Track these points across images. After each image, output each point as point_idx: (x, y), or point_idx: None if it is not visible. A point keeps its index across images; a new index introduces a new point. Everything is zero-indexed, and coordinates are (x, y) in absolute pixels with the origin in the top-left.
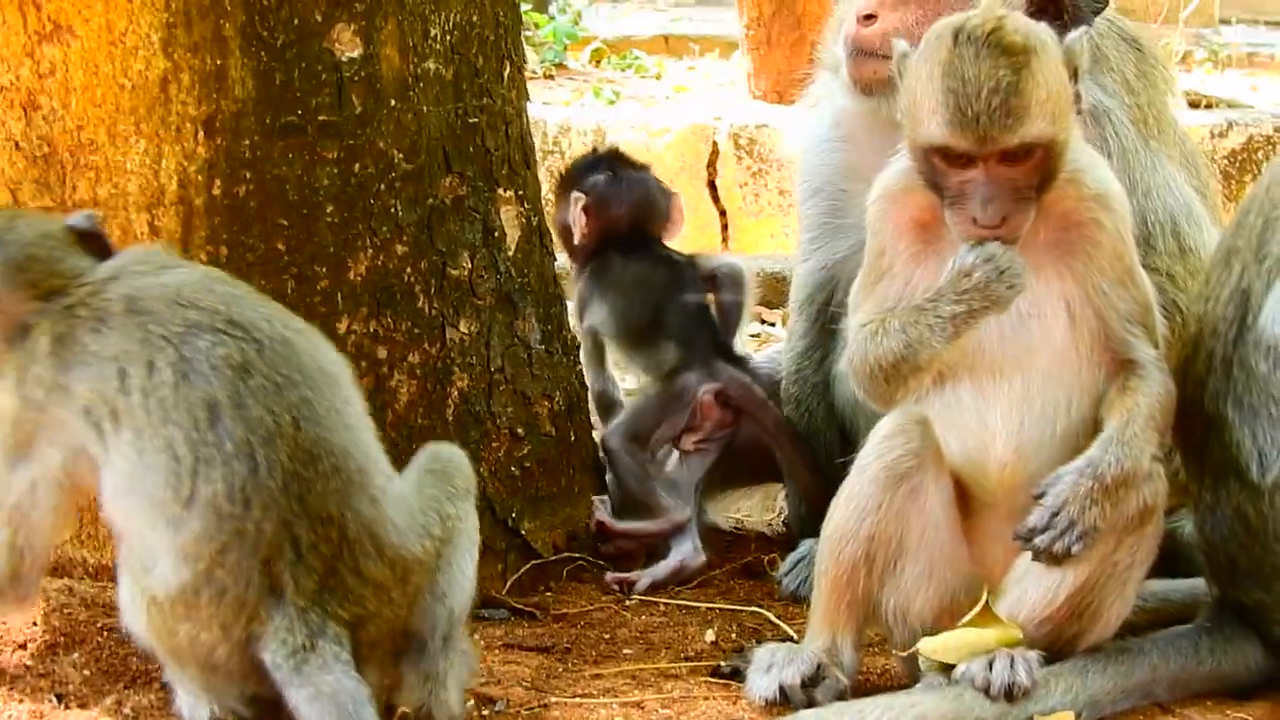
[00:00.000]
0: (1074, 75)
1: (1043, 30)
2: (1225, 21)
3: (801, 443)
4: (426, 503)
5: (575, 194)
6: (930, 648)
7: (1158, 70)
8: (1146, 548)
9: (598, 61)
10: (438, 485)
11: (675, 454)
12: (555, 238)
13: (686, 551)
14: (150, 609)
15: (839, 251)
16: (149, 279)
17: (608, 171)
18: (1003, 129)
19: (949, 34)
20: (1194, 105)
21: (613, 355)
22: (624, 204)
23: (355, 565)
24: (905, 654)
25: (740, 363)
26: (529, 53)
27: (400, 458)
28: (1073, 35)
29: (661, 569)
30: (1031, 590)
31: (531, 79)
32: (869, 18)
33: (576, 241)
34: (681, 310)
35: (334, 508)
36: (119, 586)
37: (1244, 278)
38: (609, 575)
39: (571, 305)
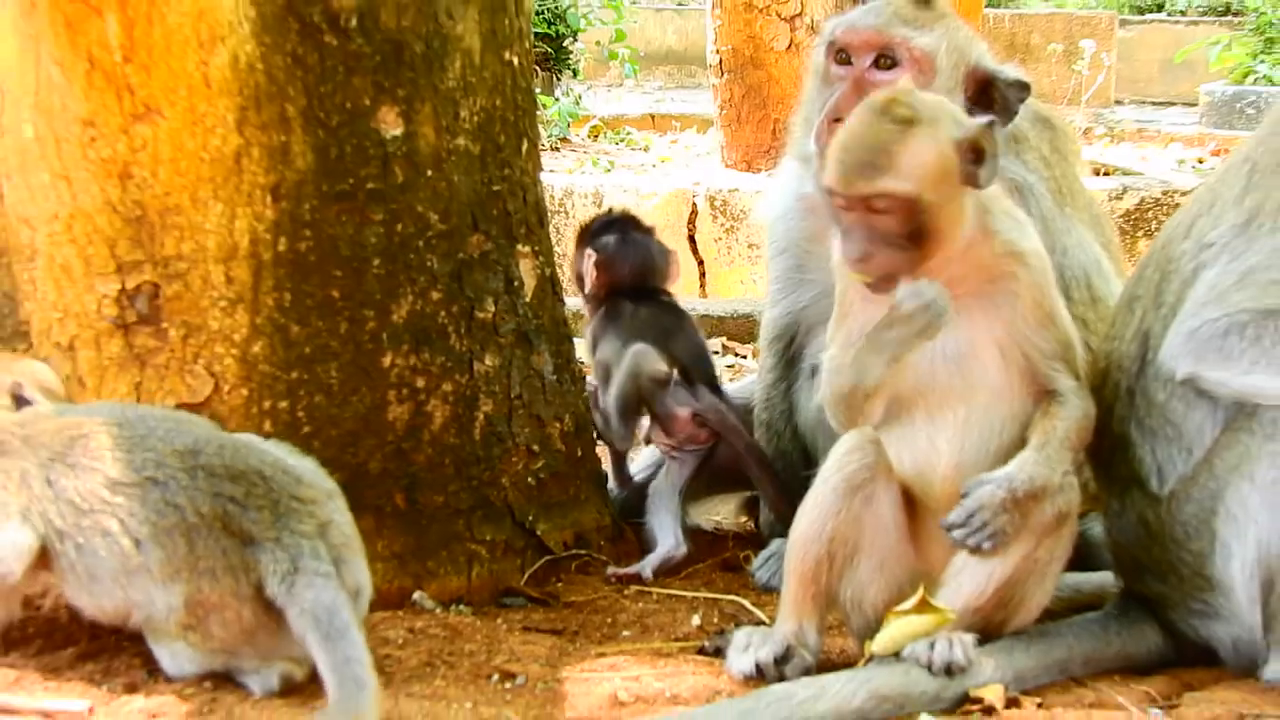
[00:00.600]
0: (978, 155)
1: (945, 111)
2: (1119, 102)
3: (766, 461)
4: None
5: (589, 250)
6: (882, 645)
7: (1068, 145)
8: (1063, 547)
9: (595, 136)
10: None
11: (664, 467)
12: (573, 282)
13: (669, 544)
14: (181, 636)
15: (802, 301)
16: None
17: (618, 233)
18: (862, 178)
19: (864, 104)
20: (1095, 173)
21: None
22: (628, 263)
23: (290, 491)
24: (866, 659)
25: (720, 393)
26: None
27: (435, 471)
28: (980, 120)
29: (652, 559)
30: (966, 583)
31: (541, 151)
32: (837, 120)
33: (588, 290)
34: (683, 346)
35: (240, 464)
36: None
37: (1144, 320)
38: (610, 570)
39: (582, 342)
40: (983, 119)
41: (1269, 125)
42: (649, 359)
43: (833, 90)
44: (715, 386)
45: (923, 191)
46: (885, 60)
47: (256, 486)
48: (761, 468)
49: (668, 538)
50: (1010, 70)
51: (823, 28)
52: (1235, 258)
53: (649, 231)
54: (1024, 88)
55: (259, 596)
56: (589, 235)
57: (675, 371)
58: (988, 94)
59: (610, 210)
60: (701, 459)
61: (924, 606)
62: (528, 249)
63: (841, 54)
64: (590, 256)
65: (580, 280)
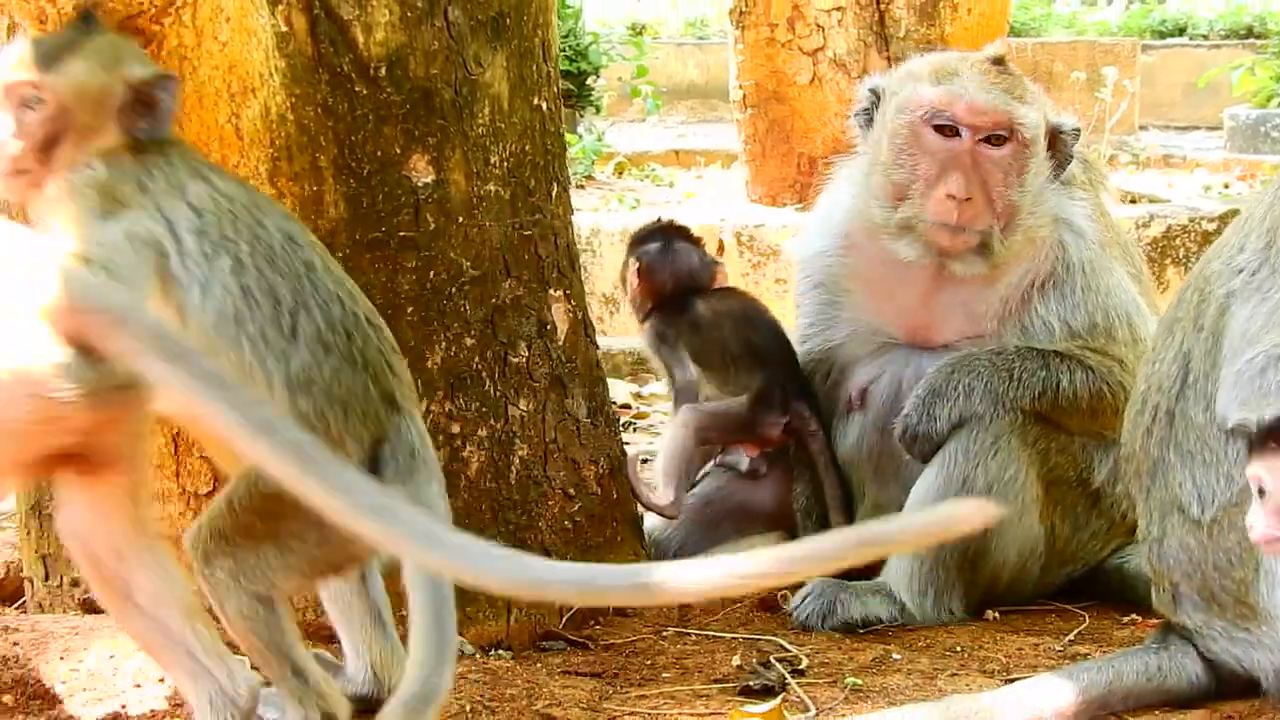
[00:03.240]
0: None
1: None
2: (1143, 128)
3: (844, 483)
4: None
5: (631, 259)
6: None
7: (1099, 177)
8: None
9: (620, 173)
10: None
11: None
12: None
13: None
14: None
15: (836, 338)
16: None
17: (661, 241)
18: None
19: None
20: (1122, 200)
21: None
22: (669, 270)
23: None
24: None
25: (810, 395)
26: None
27: (472, 516)
28: None
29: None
30: None
31: None
32: (954, 198)
33: (630, 297)
34: (763, 337)
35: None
36: None
37: (1184, 343)
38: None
39: (618, 381)
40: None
41: None
42: (691, 420)
43: (935, 159)
44: (804, 386)
45: None
46: (997, 138)
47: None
48: (837, 487)
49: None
50: (1068, 120)
51: (904, 92)
52: (1263, 297)
53: (695, 240)
54: (1077, 134)
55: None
56: (635, 243)
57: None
58: (1054, 145)
59: (659, 219)
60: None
61: (777, 715)
62: (560, 293)
63: (949, 127)
64: (633, 265)
65: (628, 289)
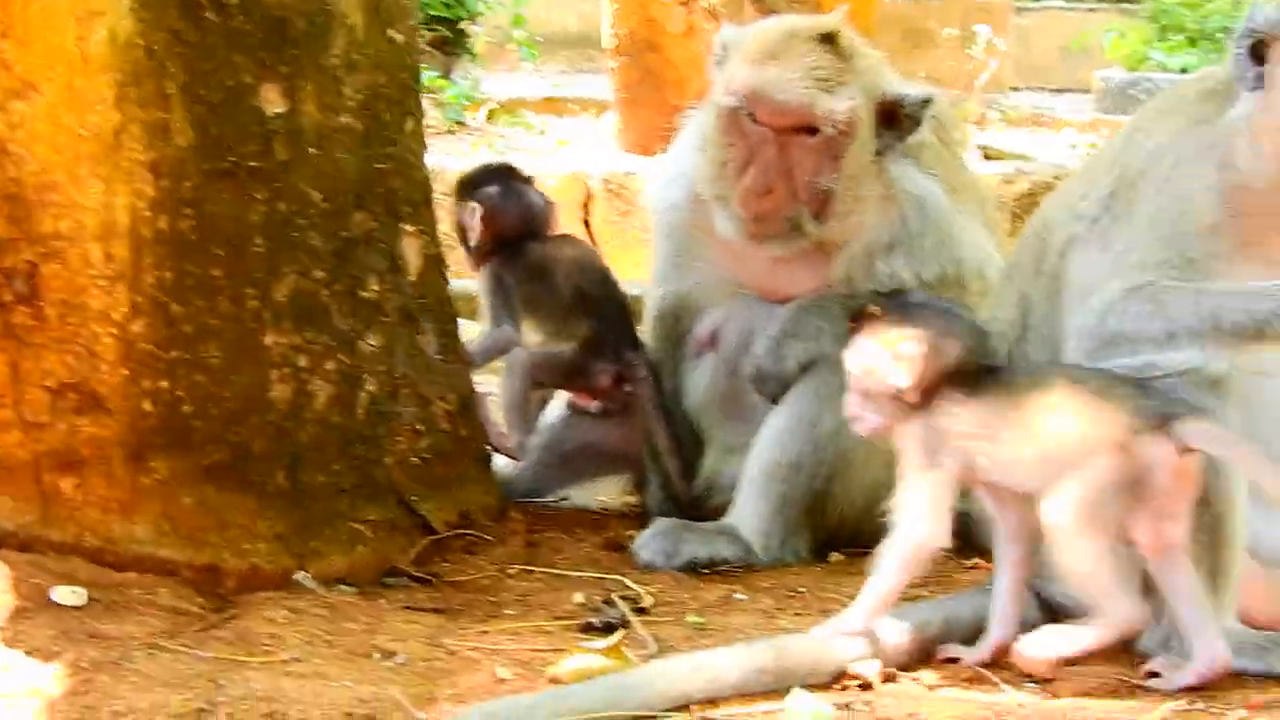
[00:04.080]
0: None
1: None
2: (1015, 88)
3: (675, 434)
4: None
5: (472, 202)
6: (565, 673)
7: (953, 134)
8: None
9: (493, 119)
10: None
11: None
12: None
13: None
14: None
15: (688, 285)
16: None
17: (500, 183)
18: None
19: None
20: (989, 158)
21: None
22: (512, 212)
23: None
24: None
25: (640, 348)
26: (435, 112)
27: (319, 450)
28: None
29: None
30: None
31: (437, 134)
32: (767, 194)
33: (472, 243)
34: (595, 286)
35: None
36: None
37: (1024, 287)
38: None
39: (466, 323)
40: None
41: (1152, 102)
42: (523, 363)
43: (744, 146)
44: (635, 340)
45: None
46: (807, 129)
47: None
48: (669, 437)
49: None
50: (913, 91)
51: (729, 68)
52: (1103, 245)
53: (529, 180)
54: (926, 103)
55: None
56: (470, 187)
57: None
58: (895, 115)
59: (483, 165)
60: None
61: (615, 652)
62: (412, 228)
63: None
64: (474, 209)
65: (463, 232)
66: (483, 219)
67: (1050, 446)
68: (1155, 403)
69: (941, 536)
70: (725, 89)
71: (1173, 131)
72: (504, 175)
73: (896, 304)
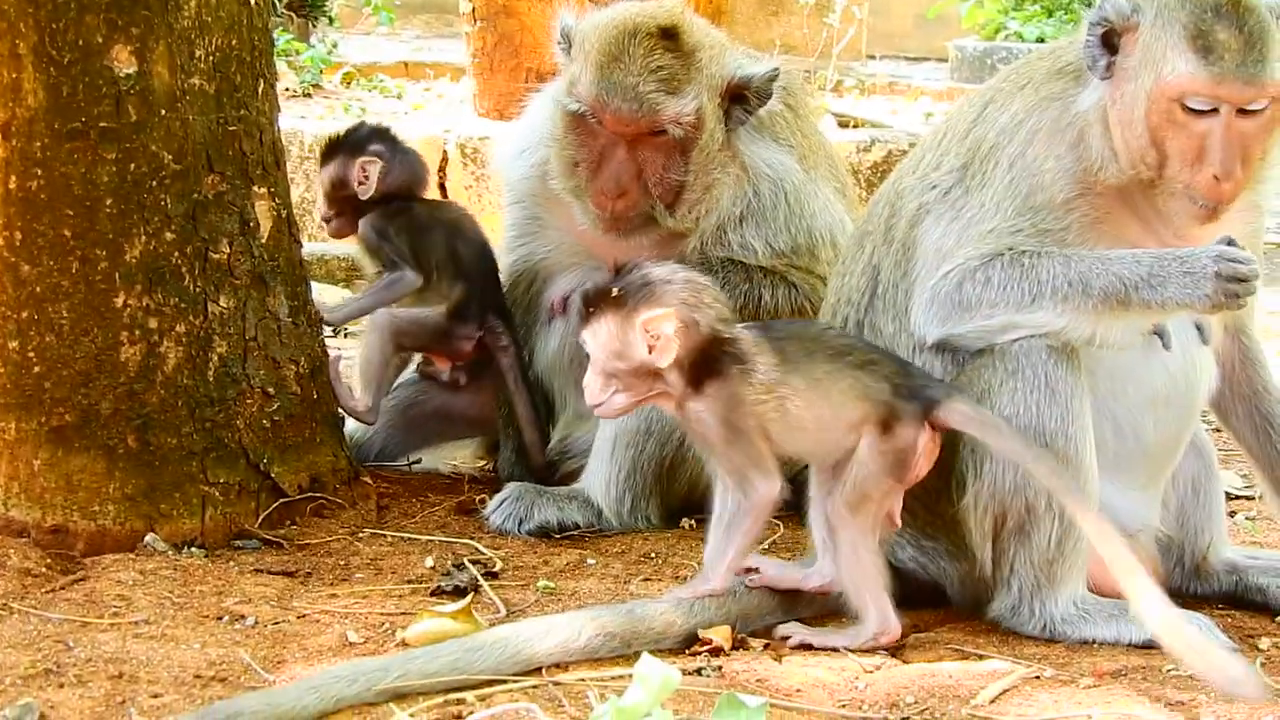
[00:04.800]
0: None
1: None
2: (872, 56)
3: (535, 401)
4: None
5: (366, 156)
6: (415, 636)
7: (802, 101)
8: None
9: (348, 83)
10: None
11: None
12: (323, 194)
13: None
14: None
15: (539, 251)
16: None
17: (391, 143)
18: None
19: None
20: (844, 125)
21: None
22: (406, 171)
23: None
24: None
25: (507, 316)
26: (291, 75)
27: (168, 413)
28: None
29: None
30: None
31: (292, 97)
32: (621, 198)
33: (362, 196)
34: (470, 251)
35: None
36: None
37: (874, 256)
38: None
39: (319, 285)
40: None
41: (1005, 73)
42: (386, 324)
43: (593, 148)
44: (502, 308)
45: None
46: (655, 133)
47: None
48: (528, 403)
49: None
50: (758, 68)
51: (573, 68)
52: (956, 215)
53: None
54: (773, 76)
55: None
56: (362, 143)
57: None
58: (743, 94)
59: (364, 123)
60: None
61: (465, 615)
62: (264, 190)
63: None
64: (370, 162)
65: (342, 186)
66: (379, 172)
67: (823, 417)
68: (916, 382)
69: (778, 488)
70: (570, 92)
71: (1026, 107)
72: (390, 135)
73: (640, 280)
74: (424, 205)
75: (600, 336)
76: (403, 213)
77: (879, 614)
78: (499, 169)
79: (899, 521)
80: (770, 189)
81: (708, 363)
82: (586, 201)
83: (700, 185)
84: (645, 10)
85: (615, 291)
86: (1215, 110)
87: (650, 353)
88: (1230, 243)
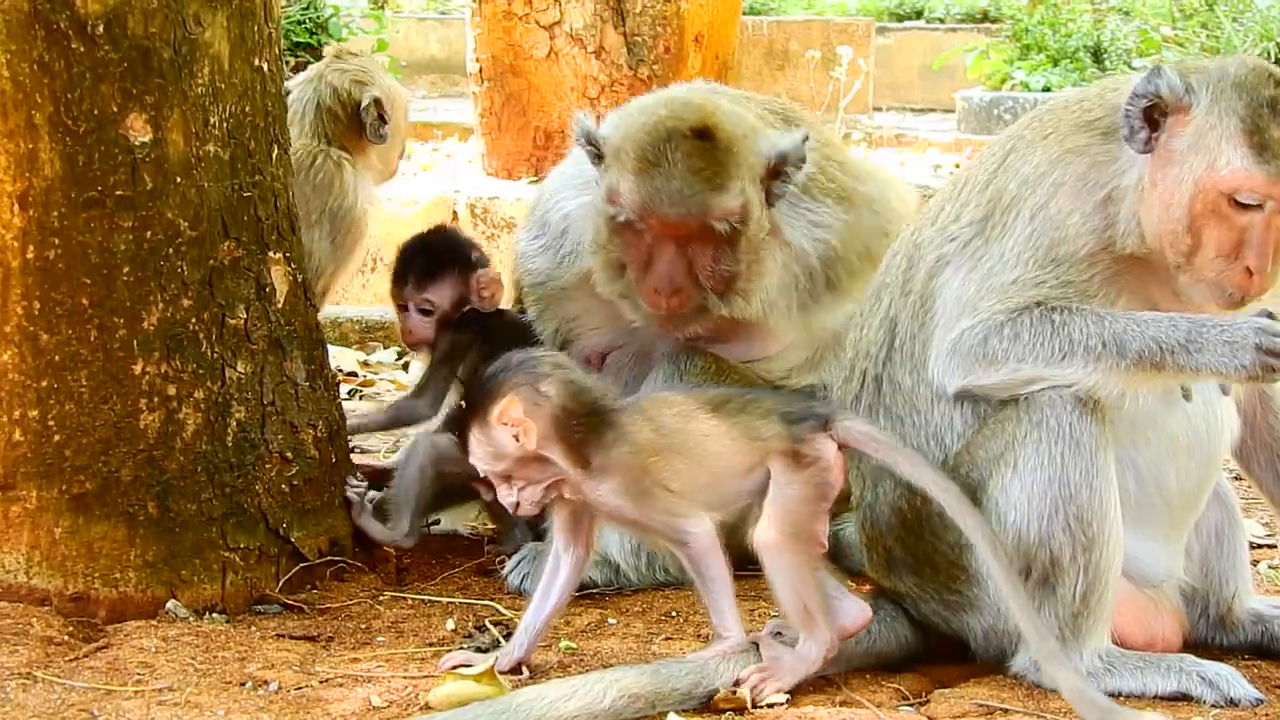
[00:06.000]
0: None
1: None
2: (879, 108)
3: None
4: None
5: (482, 270)
6: (438, 700)
7: (836, 150)
8: None
9: None
10: None
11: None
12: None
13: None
14: None
15: (565, 326)
16: None
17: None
18: None
19: None
20: None
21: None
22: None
23: None
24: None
25: None
26: None
27: (188, 479)
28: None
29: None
30: None
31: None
32: (675, 295)
33: (490, 309)
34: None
35: None
36: None
37: (891, 308)
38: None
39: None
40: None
41: (1025, 122)
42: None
43: (641, 250)
44: None
45: None
46: (703, 230)
47: None
48: None
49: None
50: (791, 140)
51: (610, 177)
52: (975, 265)
53: None
54: (805, 142)
55: None
56: (470, 256)
57: None
58: (780, 170)
59: (445, 230)
60: None
61: (489, 678)
62: (279, 255)
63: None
64: (490, 272)
65: (459, 307)
66: (496, 283)
67: (719, 469)
68: (801, 405)
69: (708, 524)
70: (611, 200)
71: (1050, 159)
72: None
73: (480, 385)
74: (506, 330)
75: (476, 449)
76: (490, 330)
77: (826, 624)
78: (520, 256)
79: (825, 544)
80: (820, 257)
81: (585, 435)
82: (639, 303)
83: (752, 272)
84: (674, 112)
85: (466, 406)
86: (1260, 206)
87: (518, 440)
88: (1270, 315)
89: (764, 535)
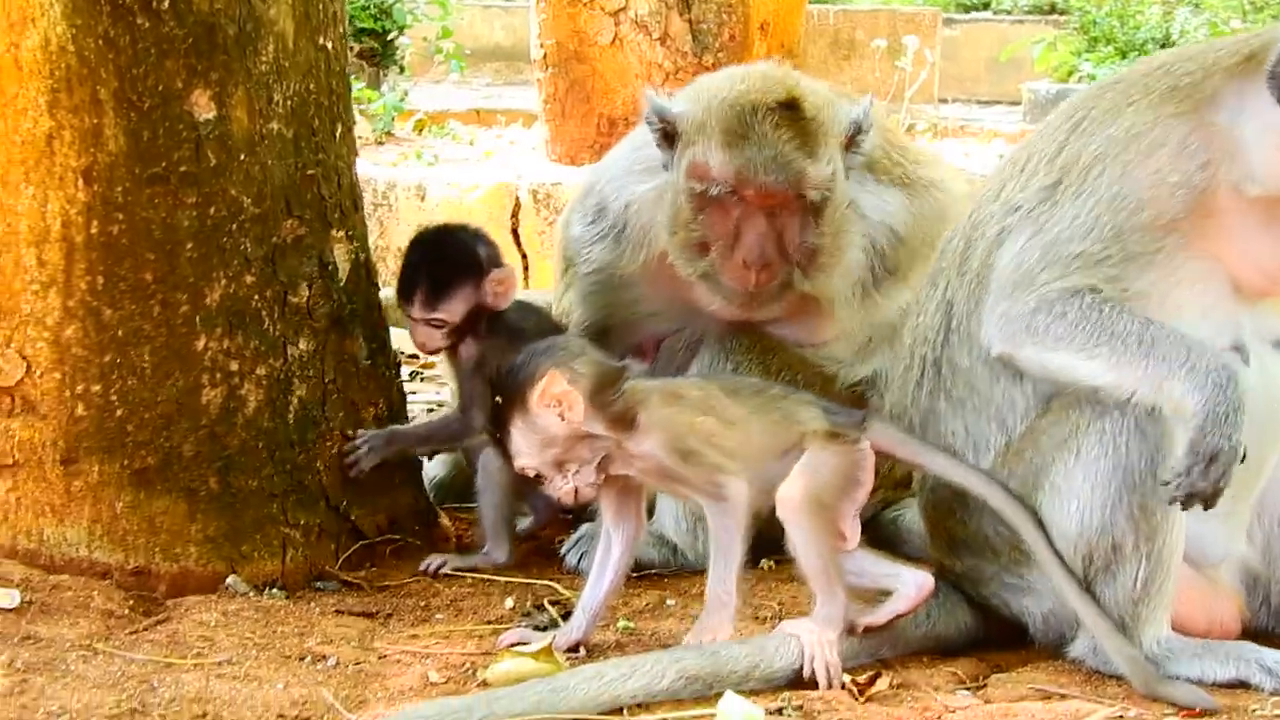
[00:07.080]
0: None
1: None
2: (944, 99)
3: None
4: None
5: (498, 270)
6: (496, 676)
7: (897, 135)
8: None
9: (420, 130)
10: None
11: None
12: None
13: (496, 554)
14: None
15: (616, 319)
16: None
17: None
18: None
19: None
20: None
21: None
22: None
23: None
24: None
25: None
26: (363, 122)
27: (249, 455)
28: None
29: (467, 560)
30: None
31: (365, 144)
32: (765, 269)
33: (503, 306)
34: None
35: None
36: None
37: (948, 290)
38: (426, 560)
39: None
40: None
41: (1099, 91)
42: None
43: (728, 223)
44: None
45: None
46: (795, 199)
47: None
48: None
49: (499, 545)
50: (860, 107)
51: (695, 151)
52: (1039, 230)
53: None
54: (869, 108)
55: None
56: (480, 260)
57: None
58: (853, 138)
59: (455, 228)
60: None
61: (547, 656)
62: (342, 233)
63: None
64: (502, 273)
65: (481, 308)
66: (508, 281)
67: (758, 444)
68: (841, 408)
69: (745, 486)
70: (697, 175)
71: (1146, 121)
72: (481, 232)
73: (508, 377)
74: (521, 311)
75: (521, 443)
76: (504, 327)
77: (843, 589)
78: (573, 241)
79: (847, 535)
80: (885, 238)
81: (624, 404)
82: (724, 281)
83: (835, 245)
84: (755, 85)
85: (500, 400)
86: None
87: (564, 419)
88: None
89: (788, 491)
